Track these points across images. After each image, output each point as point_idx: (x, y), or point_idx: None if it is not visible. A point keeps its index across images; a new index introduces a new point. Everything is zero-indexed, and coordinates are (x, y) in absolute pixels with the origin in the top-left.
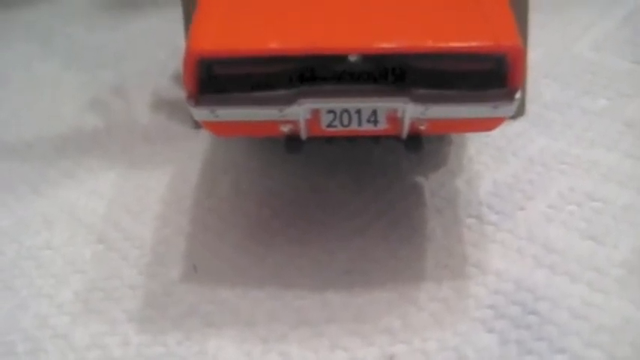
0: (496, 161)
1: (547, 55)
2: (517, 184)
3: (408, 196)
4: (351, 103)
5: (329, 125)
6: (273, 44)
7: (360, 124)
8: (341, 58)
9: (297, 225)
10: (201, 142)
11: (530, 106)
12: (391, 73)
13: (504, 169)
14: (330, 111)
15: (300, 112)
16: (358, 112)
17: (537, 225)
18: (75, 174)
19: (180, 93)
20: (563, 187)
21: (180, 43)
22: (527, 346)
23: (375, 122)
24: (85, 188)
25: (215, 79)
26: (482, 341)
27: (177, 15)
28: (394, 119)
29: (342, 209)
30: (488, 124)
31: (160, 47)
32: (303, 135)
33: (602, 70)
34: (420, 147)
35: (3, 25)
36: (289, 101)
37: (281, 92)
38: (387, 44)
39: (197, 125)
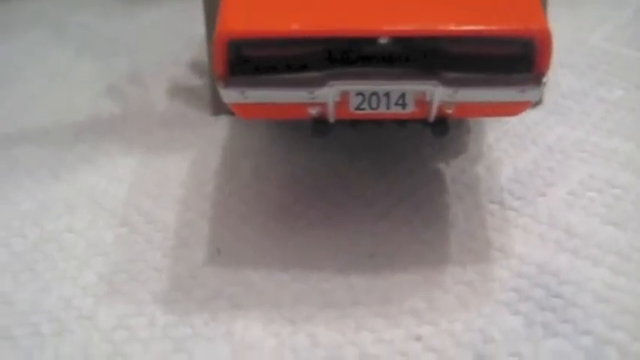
0: (516, 148)
1: (562, 45)
2: (537, 170)
3: (429, 182)
4: (380, 86)
5: (357, 108)
6: (303, 26)
7: (388, 107)
8: (371, 41)
9: (320, 208)
10: (220, 129)
11: (547, 95)
12: (420, 56)
13: (524, 156)
14: (359, 93)
15: (329, 94)
16: (387, 94)
17: (558, 210)
18: (93, 159)
19: (196, 80)
20: (583, 174)
21: (195, 32)
22: (552, 328)
23: (404, 105)
24: (105, 173)
25: (245, 61)
26: (508, 323)
27: (189, 5)
28: (422, 102)
29: (363, 194)
30: (514, 109)
31: (174, 37)
32: (331, 117)
33: (617, 61)
34: (446, 131)
35: (15, 13)
36: (319, 83)
37: (310, 74)
38: (416, 27)
39: (216, 111)
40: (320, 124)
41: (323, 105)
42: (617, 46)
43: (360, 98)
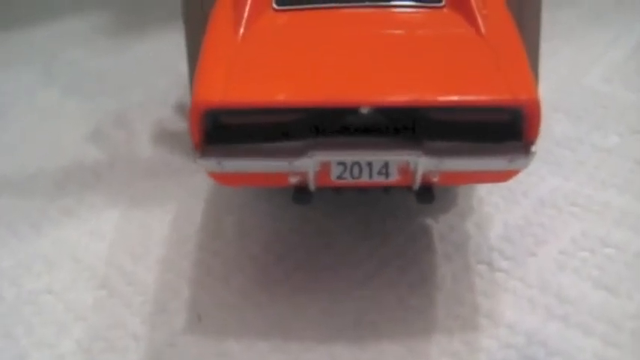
0: (507, 202)
1: (557, 87)
2: (528, 227)
3: (417, 241)
4: (363, 156)
5: (339, 177)
6: (283, 95)
7: (370, 176)
8: (352, 111)
9: (304, 271)
10: (204, 178)
11: (541, 143)
12: (403, 125)
13: (515, 210)
14: (341, 163)
15: (309, 165)
16: (369, 164)
17: (549, 273)
18: (76, 212)
19: (181, 124)
20: (576, 231)
21: (182, 69)
22: None
23: (387, 174)
24: (87, 228)
25: (221, 130)
26: None
27: (178, 38)
28: (406, 171)
29: (349, 254)
30: (501, 176)
31: (163, 74)
32: (312, 186)
33: (613, 104)
34: (431, 198)
35: (3, 47)
36: (299, 153)
37: (289, 144)
38: (399, 97)
39: None
40: (301, 192)
41: (303, 174)
42: (613, 87)
43: (341, 168)
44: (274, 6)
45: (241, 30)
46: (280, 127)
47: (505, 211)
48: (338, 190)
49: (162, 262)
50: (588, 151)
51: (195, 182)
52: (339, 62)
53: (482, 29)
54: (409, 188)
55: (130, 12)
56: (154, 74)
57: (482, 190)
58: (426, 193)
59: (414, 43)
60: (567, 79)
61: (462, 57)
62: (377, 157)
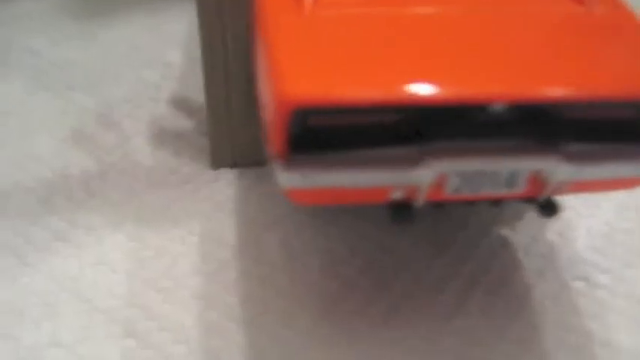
0: (586, 206)
1: None
2: (614, 234)
3: (499, 255)
4: (490, 164)
5: (456, 190)
6: (395, 90)
7: (494, 187)
8: (481, 108)
9: (378, 300)
10: (225, 187)
11: None
12: (541, 125)
13: (597, 215)
14: (461, 173)
15: (426, 176)
16: (494, 174)
17: None
18: (71, 237)
19: (183, 123)
20: None
21: (171, 58)
22: None
23: (513, 185)
24: (89, 257)
25: (314, 135)
26: None
27: (159, 22)
28: (537, 181)
29: (426, 277)
30: (634, 183)
31: (145, 64)
32: (420, 202)
33: None
34: (557, 209)
35: None
36: (413, 162)
37: (402, 151)
38: (544, 90)
39: (216, 164)
40: (403, 210)
41: (412, 188)
42: None
43: (460, 179)
44: None
45: (308, 3)
46: (387, 130)
47: (587, 216)
48: (442, 205)
49: (200, 298)
50: None
51: (214, 191)
52: (446, 43)
53: (595, 6)
54: (530, 201)
55: None
56: (134, 65)
57: None
58: (551, 203)
59: (524, 19)
60: None
61: (596, 42)
62: (507, 166)
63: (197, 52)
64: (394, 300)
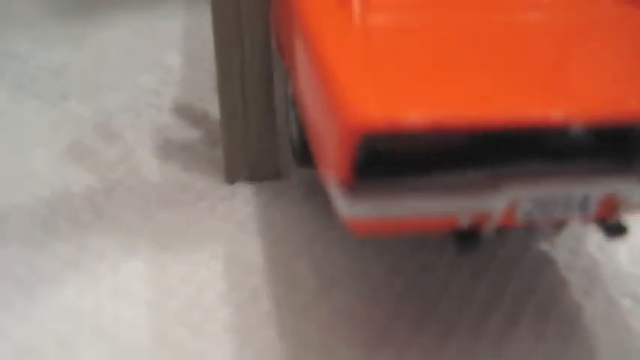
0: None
1: None
2: None
3: (542, 272)
4: (566, 188)
5: (527, 214)
6: (472, 113)
7: (566, 210)
8: (558, 132)
9: (424, 328)
10: (242, 203)
11: None
12: (619, 147)
13: (634, 226)
14: (536, 198)
15: (501, 201)
16: (568, 196)
17: None
18: (82, 264)
19: (190, 133)
20: None
21: (170, 60)
22: None
23: (585, 208)
24: (105, 287)
25: (381, 160)
26: None
27: (152, 22)
28: (609, 202)
29: (469, 299)
30: None
31: (143, 68)
32: (490, 228)
33: None
34: (626, 232)
35: None
36: (489, 187)
37: (475, 175)
38: (628, 112)
39: (231, 178)
40: (469, 238)
41: (483, 214)
42: None
43: (533, 203)
44: None
45: (357, 9)
46: (457, 152)
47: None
48: (502, 230)
49: (234, 332)
50: None
51: (232, 209)
52: (518, 57)
53: None
54: (600, 221)
55: None
56: (130, 69)
57: None
58: (619, 225)
59: (579, 30)
60: None
61: None
62: (582, 189)
63: (196, 54)
64: (442, 326)
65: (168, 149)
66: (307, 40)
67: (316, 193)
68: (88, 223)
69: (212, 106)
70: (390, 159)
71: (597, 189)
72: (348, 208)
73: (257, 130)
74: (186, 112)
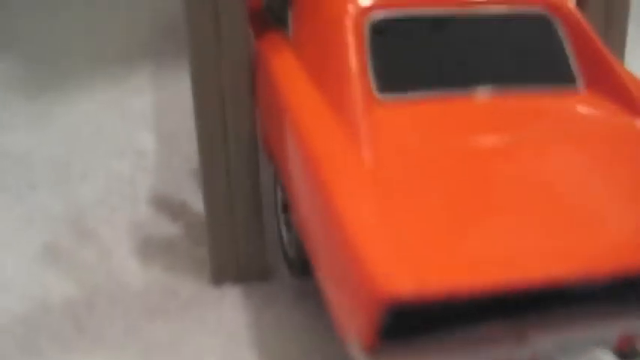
0: None
1: None
2: None
3: None
4: (587, 332)
5: (547, 357)
6: (494, 277)
7: (584, 349)
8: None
9: None
10: (231, 309)
11: None
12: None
13: None
14: (558, 343)
15: (526, 352)
16: (587, 339)
17: None
18: None
19: (171, 229)
20: None
21: (141, 140)
22: None
23: (602, 345)
24: None
25: (405, 321)
26: None
27: (120, 95)
28: (627, 338)
29: None
30: None
31: (115, 152)
32: None
33: None
34: (638, 356)
35: None
36: (514, 340)
37: (499, 329)
38: None
39: (217, 279)
40: None
41: None
42: None
43: (554, 347)
44: (377, 96)
45: (366, 151)
46: (479, 309)
47: None
48: None
49: None
50: None
51: (223, 317)
52: (527, 208)
53: None
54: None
55: (40, 60)
56: (102, 153)
57: None
58: (634, 350)
59: (595, 165)
60: None
61: None
62: (602, 331)
63: (168, 133)
64: None
65: (148, 248)
66: (313, 175)
67: (307, 296)
68: (70, 341)
69: (190, 196)
70: (416, 319)
71: (616, 331)
72: None
73: (245, 227)
74: (164, 204)
